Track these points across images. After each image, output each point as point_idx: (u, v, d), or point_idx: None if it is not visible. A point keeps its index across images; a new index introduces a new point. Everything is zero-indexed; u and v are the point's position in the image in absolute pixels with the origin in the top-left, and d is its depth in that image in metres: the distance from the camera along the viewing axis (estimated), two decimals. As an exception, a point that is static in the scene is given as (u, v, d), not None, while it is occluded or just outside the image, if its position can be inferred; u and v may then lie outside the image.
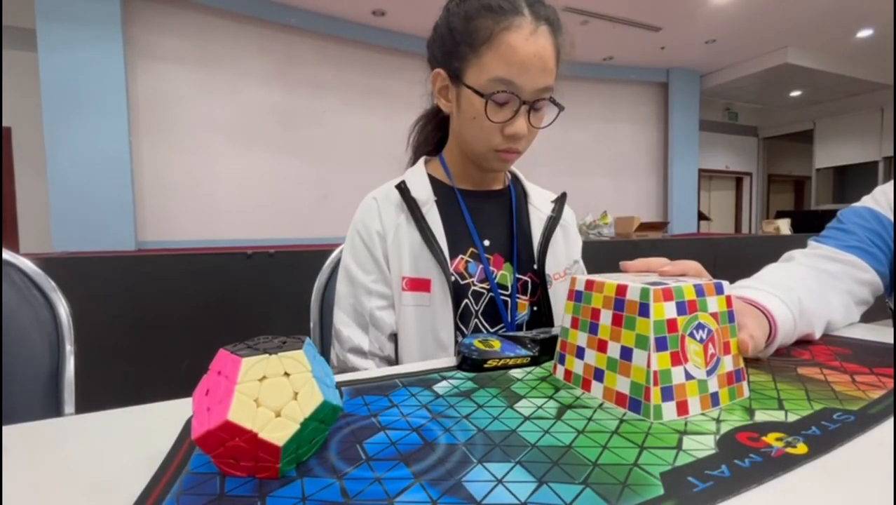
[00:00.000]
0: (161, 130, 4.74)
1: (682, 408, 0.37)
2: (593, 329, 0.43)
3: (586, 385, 0.43)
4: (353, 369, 0.68)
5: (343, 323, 0.71)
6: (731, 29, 5.94)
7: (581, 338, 0.45)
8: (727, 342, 0.42)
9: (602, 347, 0.42)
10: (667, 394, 0.37)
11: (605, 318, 0.42)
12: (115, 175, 4.32)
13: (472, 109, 0.66)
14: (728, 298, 0.42)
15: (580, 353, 0.44)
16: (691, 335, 0.39)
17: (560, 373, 0.46)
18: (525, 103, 0.65)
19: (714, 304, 0.41)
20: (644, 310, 0.39)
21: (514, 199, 0.79)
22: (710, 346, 0.40)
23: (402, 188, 0.71)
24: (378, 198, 0.74)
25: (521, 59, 0.62)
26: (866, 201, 0.77)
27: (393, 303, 0.70)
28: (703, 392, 0.39)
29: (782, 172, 10.32)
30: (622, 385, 0.39)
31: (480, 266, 0.71)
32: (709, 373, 0.39)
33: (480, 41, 0.63)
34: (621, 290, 0.41)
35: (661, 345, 0.38)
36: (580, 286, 0.46)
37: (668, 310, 0.39)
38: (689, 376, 0.38)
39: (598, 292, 0.43)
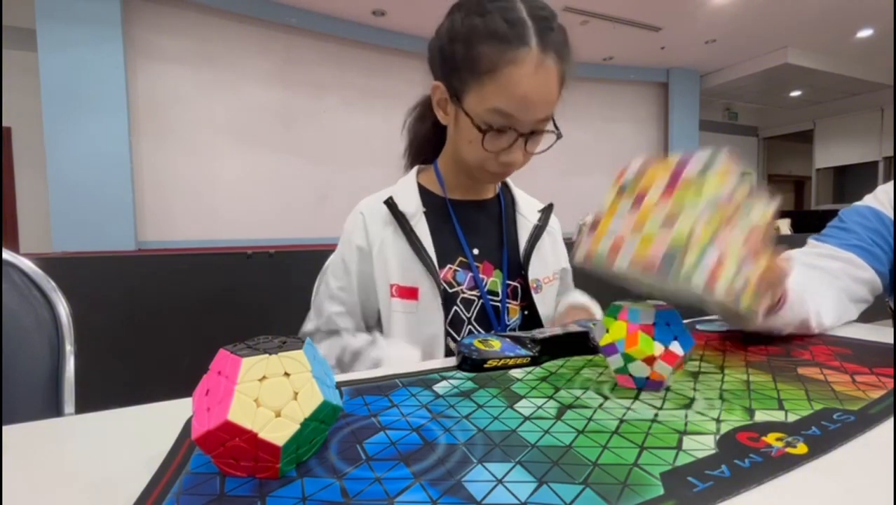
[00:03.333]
0: (161, 130, 4.74)
1: (712, 280, 0.36)
2: (637, 204, 0.41)
3: (613, 254, 0.41)
4: None
5: (308, 317, 0.77)
6: (731, 29, 5.94)
7: (617, 221, 0.42)
8: (759, 252, 0.41)
9: (642, 219, 0.40)
10: (701, 263, 0.36)
11: (655, 193, 0.40)
12: (115, 175, 4.32)
13: (470, 134, 0.65)
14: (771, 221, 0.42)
15: (614, 227, 0.42)
16: (735, 226, 0.39)
17: (581, 254, 0.44)
18: (522, 136, 0.64)
19: (759, 214, 0.41)
20: (705, 172, 0.38)
21: (503, 207, 0.80)
22: (747, 244, 0.39)
23: (390, 203, 0.72)
24: (364, 212, 0.75)
25: (523, 94, 0.60)
26: (868, 200, 0.77)
27: (353, 310, 0.74)
28: (733, 281, 0.38)
29: (782, 172, 10.31)
30: (657, 248, 0.38)
31: (469, 275, 0.72)
32: (741, 267, 0.39)
33: (483, 70, 0.61)
34: (684, 160, 0.40)
35: (708, 217, 0.37)
36: (631, 173, 0.43)
37: (727, 185, 0.38)
38: (721, 261, 0.38)
39: (656, 169, 0.42)
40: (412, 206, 0.73)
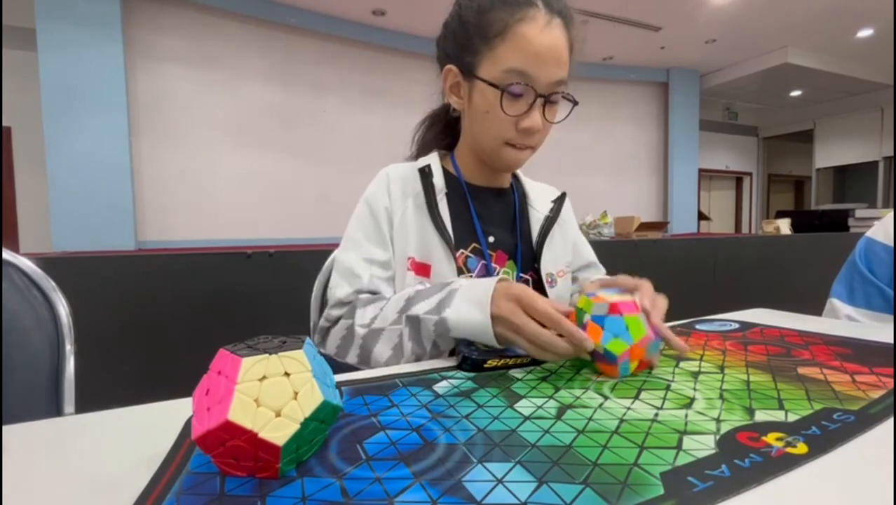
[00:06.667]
0: (161, 130, 4.74)
1: None
2: None
3: None
4: (333, 323, 0.67)
5: (335, 285, 0.69)
6: (731, 29, 5.95)
7: None
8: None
9: None
10: None
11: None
12: (115, 175, 4.32)
13: (486, 103, 0.65)
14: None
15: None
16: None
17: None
18: (540, 96, 0.64)
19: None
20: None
21: (517, 198, 0.79)
22: None
23: (426, 171, 0.71)
24: (391, 175, 0.73)
25: (535, 50, 0.61)
26: (878, 235, 0.78)
27: (393, 276, 0.70)
28: None
29: (782, 172, 10.32)
30: None
31: (481, 262, 0.71)
32: None
33: (494, 33, 0.63)
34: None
35: None
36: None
37: None
38: None
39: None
40: (439, 181, 0.72)
